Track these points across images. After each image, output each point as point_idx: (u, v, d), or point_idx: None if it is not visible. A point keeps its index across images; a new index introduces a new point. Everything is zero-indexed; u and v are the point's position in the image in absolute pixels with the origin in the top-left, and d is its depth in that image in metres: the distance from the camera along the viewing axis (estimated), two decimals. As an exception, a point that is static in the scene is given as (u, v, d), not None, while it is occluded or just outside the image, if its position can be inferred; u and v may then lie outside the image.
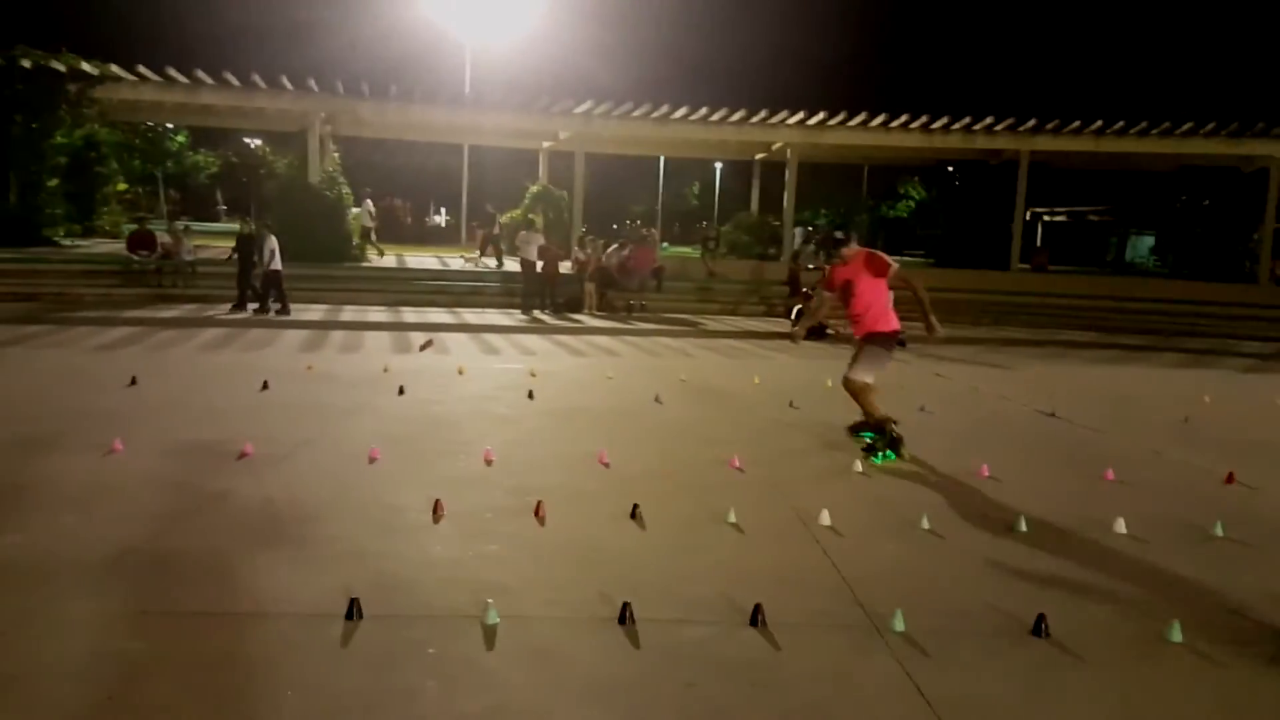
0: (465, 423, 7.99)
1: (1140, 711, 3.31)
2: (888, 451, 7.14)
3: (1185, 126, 23.84)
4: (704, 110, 24.72)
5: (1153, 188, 31.19)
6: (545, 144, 27.79)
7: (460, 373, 10.85)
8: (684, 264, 26.14)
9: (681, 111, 24.72)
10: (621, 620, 3.76)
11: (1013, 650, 3.73)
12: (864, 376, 7.32)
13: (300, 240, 20.87)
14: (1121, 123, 23.60)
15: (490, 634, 3.65)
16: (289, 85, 22.67)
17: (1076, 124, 23.77)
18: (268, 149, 27.55)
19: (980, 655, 3.67)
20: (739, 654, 3.58)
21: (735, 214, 35.78)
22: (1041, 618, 3.86)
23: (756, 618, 3.81)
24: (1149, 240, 39.05)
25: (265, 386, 9.23)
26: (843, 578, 4.46)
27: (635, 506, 5.33)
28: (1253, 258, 25.41)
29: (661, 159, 48.06)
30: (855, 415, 7.64)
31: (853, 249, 7.43)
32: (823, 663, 3.54)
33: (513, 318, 18.46)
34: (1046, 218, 43.23)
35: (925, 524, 5.33)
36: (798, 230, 28.91)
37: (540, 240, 20.40)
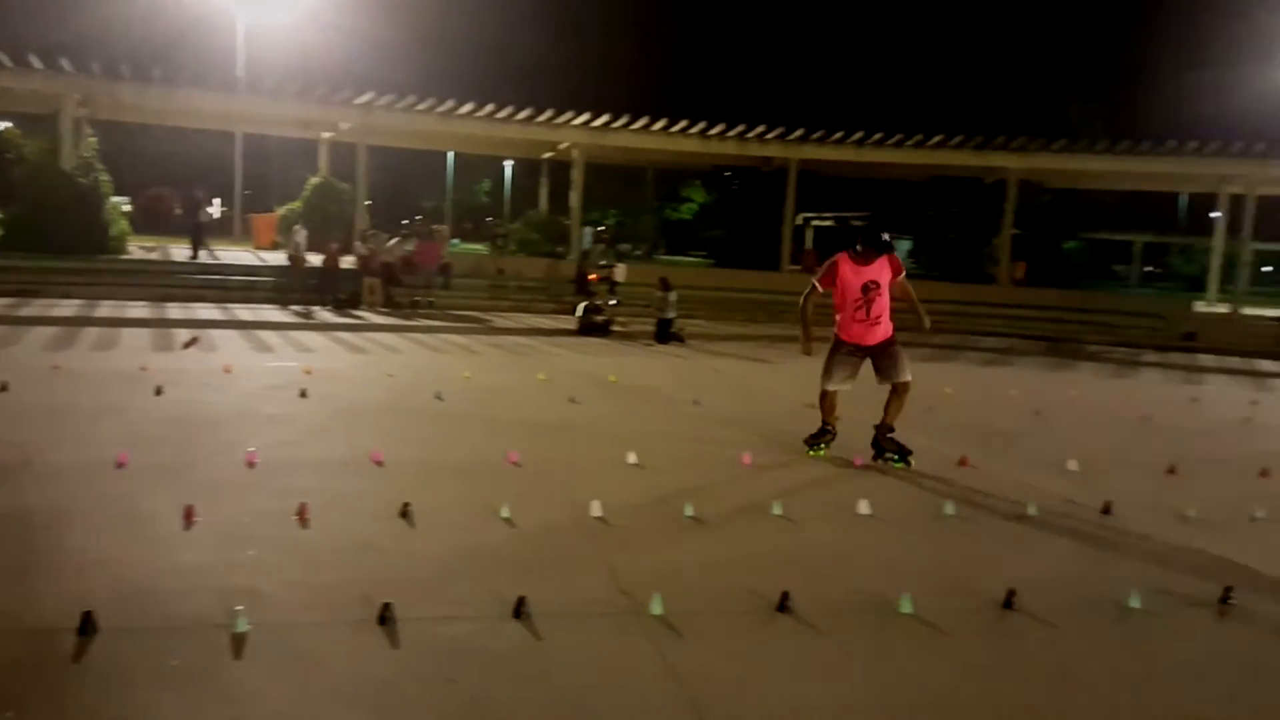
0: (229, 424, 7.60)
1: (872, 678, 3.60)
2: (821, 446, 7.38)
3: (935, 139, 25.95)
4: (490, 107, 24.57)
5: (909, 195, 33.67)
6: (325, 135, 26.75)
7: (227, 371, 10.30)
8: (474, 261, 25.88)
9: (467, 108, 24.46)
10: (382, 621, 3.72)
11: (760, 627, 3.97)
12: (908, 376, 7.20)
13: (49, 230, 19.12)
14: (880, 134, 25.41)
15: (239, 642, 3.51)
16: (38, 64, 20.73)
17: (840, 134, 25.39)
18: (18, 132, 25.03)
19: (730, 633, 3.89)
20: (501, 647, 3.63)
21: (525, 212, 35.79)
22: (785, 595, 4.13)
23: (520, 610, 3.86)
24: (906, 244, 42.11)
25: (4, 388, 8.42)
26: (609, 566, 4.59)
27: (406, 505, 5.26)
28: (993, 261, 27.97)
29: (450, 155, 47.21)
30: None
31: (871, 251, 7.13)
32: (583, 650, 3.64)
33: (289, 314, 17.68)
34: (816, 222, 45.76)
35: (690, 511, 5.56)
36: (587, 229, 29.25)
37: (305, 234, 19.79)
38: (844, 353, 7.36)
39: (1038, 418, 10.41)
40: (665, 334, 16.97)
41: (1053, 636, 4.08)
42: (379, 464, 6.38)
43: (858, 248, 7.26)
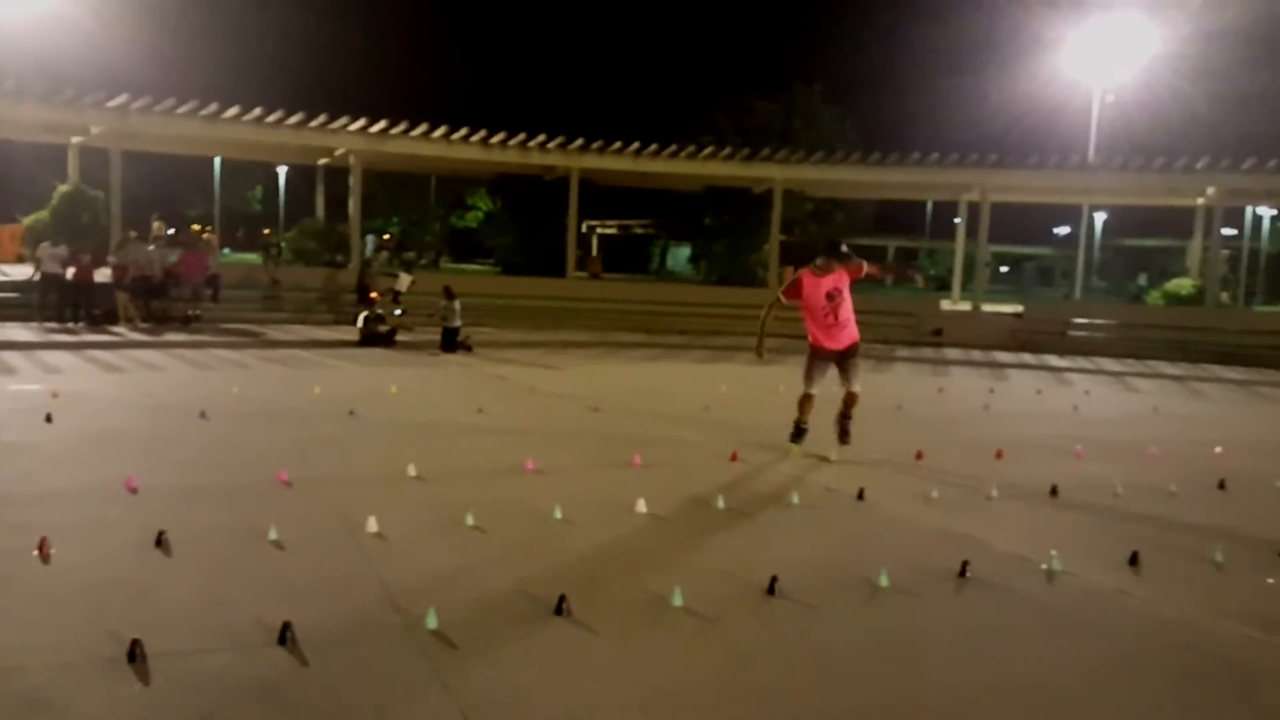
0: (-46, 457, 6.87)
1: (646, 672, 3.72)
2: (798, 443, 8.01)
3: (707, 151, 27.03)
4: (258, 111, 23.39)
5: (688, 204, 34.90)
6: (75, 139, 24.58)
7: (-47, 399, 9.30)
8: (247, 271, 24.55)
9: (233, 111, 23.18)
10: (131, 658, 3.48)
11: (537, 632, 4.01)
12: (858, 387, 8.01)
13: None
14: (655, 145, 26.19)
15: (-36, 695, 3.20)
16: None
17: (618, 145, 25.94)
18: None
19: (506, 641, 3.91)
20: (264, 675, 3.48)
21: (301, 220, 34.30)
22: (562, 598, 4.20)
23: (285, 636, 3.73)
24: (687, 250, 43.59)
25: None
26: (383, 583, 4.51)
27: (161, 533, 4.94)
28: (764, 267, 29.43)
29: (218, 160, 44.58)
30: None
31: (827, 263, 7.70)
32: (351, 672, 3.56)
33: (36, 332, 16.14)
34: (600, 229, 46.57)
35: (470, 521, 5.54)
36: (369, 238, 28.38)
37: (54, 248, 18.16)
38: (819, 359, 7.98)
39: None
40: (451, 343, 16.76)
41: (812, 618, 4.37)
42: (133, 491, 5.96)
43: (818, 262, 7.83)
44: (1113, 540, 5.68)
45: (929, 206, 53.43)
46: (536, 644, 3.90)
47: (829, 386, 8.30)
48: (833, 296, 7.78)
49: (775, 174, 26.49)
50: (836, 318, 7.79)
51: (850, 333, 7.92)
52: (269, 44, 52.72)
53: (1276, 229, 47.55)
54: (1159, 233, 50.11)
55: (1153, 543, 5.62)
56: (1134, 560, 5.30)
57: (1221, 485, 7.52)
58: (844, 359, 7.99)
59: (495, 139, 25.44)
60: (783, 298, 8.04)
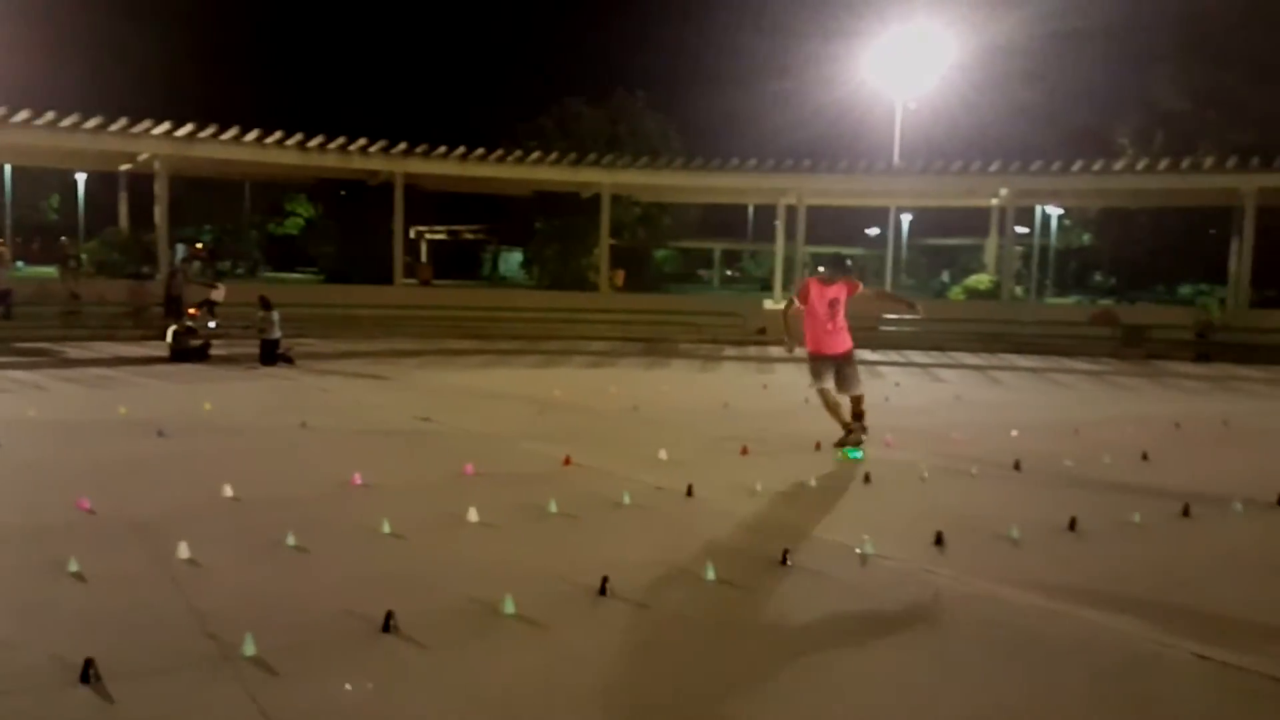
0: None
1: (478, 683, 3.69)
2: (856, 449, 8.42)
3: (534, 156, 27.01)
4: (51, 115, 21.74)
5: (518, 209, 34.77)
6: None
7: None
8: (39, 286, 22.77)
9: (22, 116, 21.47)
10: (-93, 711, 3.20)
11: (363, 651, 3.92)
12: (860, 389, 8.67)
13: None
14: (482, 149, 25.96)
15: None
16: None
17: (443, 149, 25.57)
18: None
19: (331, 663, 3.80)
20: (65, 716, 3.27)
21: (103, 230, 32.09)
22: (390, 614, 4.12)
23: (88, 673, 3.50)
24: (519, 256, 43.43)
25: None
26: (195, 612, 4.29)
27: (-58, 575, 4.54)
28: (595, 270, 29.69)
29: (8, 168, 41.15)
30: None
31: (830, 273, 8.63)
32: (161, 706, 3.38)
33: None
34: (429, 235, 45.74)
35: (291, 541, 5.35)
36: (179, 246, 26.80)
37: None
38: (818, 361, 8.62)
39: (634, 413, 11.22)
40: (271, 355, 16.06)
41: (642, 615, 4.46)
42: (-93, 530, 5.43)
43: (821, 270, 8.80)
44: (920, 522, 6.05)
45: (751, 210, 55.19)
46: (363, 663, 3.81)
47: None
48: (833, 305, 8.49)
49: (602, 179, 26.77)
50: (834, 323, 8.49)
51: (844, 339, 8.59)
52: (66, 45, 49.04)
53: (1063, 226, 51.71)
54: (960, 232, 53.68)
55: (956, 522, 6.02)
56: (939, 540, 5.68)
57: (1017, 466, 8.13)
58: (843, 364, 8.62)
59: (314, 142, 24.59)
60: (798, 302, 8.78)
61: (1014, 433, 10.08)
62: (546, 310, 25.16)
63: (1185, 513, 6.50)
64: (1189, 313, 25.04)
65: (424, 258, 45.41)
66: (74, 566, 4.77)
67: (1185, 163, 24.84)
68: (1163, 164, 25.29)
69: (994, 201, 29.50)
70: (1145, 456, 8.74)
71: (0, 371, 14.07)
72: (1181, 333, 23.04)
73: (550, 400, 12.01)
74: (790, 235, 29.86)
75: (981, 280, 30.82)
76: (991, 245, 32.60)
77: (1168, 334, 23.26)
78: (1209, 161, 24.62)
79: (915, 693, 3.69)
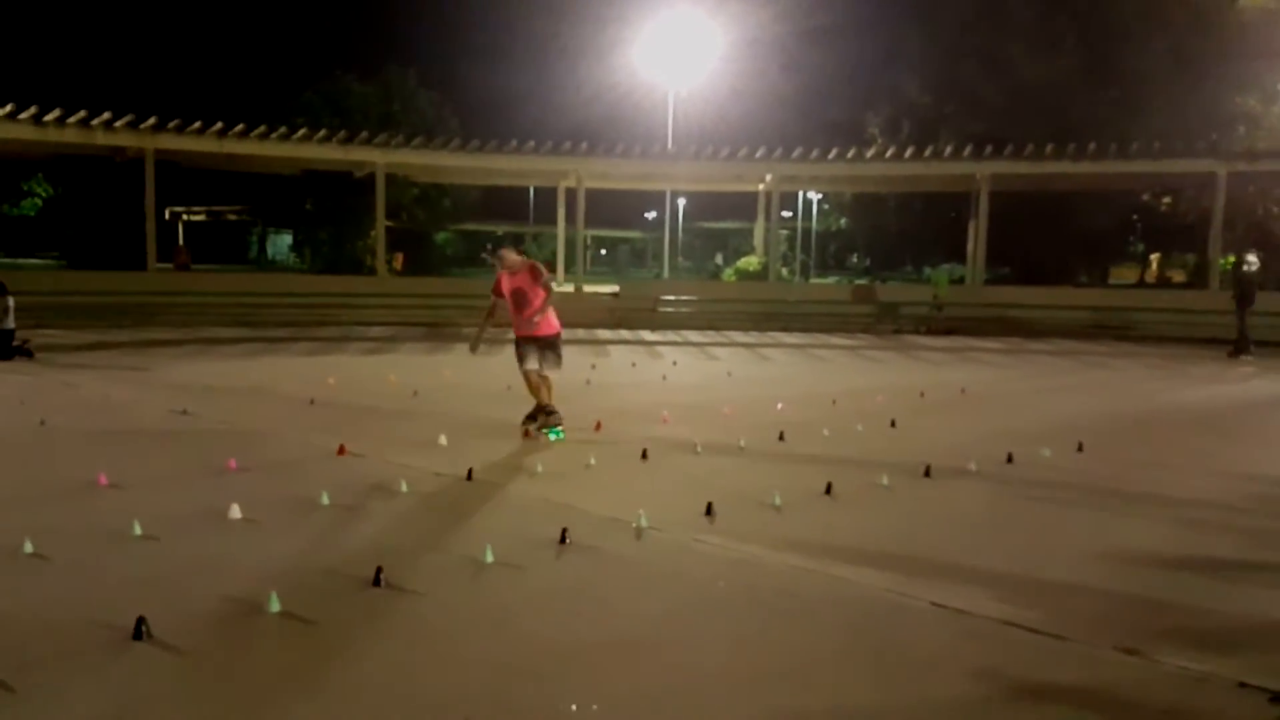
0: None
1: (235, 687, 3.53)
2: (558, 429, 8.43)
3: (301, 133, 25.71)
4: None
5: (287, 189, 33.03)
6: None
7: None
8: None
9: None
10: None
11: (111, 663, 3.65)
12: (556, 371, 8.64)
13: None
14: (242, 125, 24.43)
15: None
16: None
17: (199, 124, 23.88)
18: None
19: (72, 677, 3.53)
20: None
21: None
22: (141, 620, 3.86)
23: None
24: (288, 238, 41.36)
25: None
26: (-90, 635, 3.86)
27: None
28: (371, 253, 28.73)
29: None
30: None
31: (514, 259, 8.73)
32: None
33: None
34: (186, 216, 42.70)
35: (29, 548, 4.90)
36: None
37: None
38: (520, 345, 8.66)
39: (415, 399, 10.99)
40: (6, 348, 14.50)
41: (417, 603, 4.40)
42: None
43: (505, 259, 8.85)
44: (693, 495, 6.30)
45: (532, 192, 55.12)
46: (110, 676, 3.56)
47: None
48: (517, 294, 8.58)
49: (376, 158, 25.86)
50: (526, 312, 8.50)
51: (543, 324, 8.55)
52: None
53: (822, 211, 54.98)
54: (731, 216, 55.99)
55: (726, 493, 6.32)
56: (709, 511, 5.94)
57: (781, 436, 8.62)
58: (543, 349, 8.61)
59: (50, 117, 22.29)
60: (493, 295, 8.83)
61: (779, 405, 10.65)
62: (320, 295, 24.11)
63: (926, 474, 7.12)
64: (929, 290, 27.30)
65: (181, 240, 42.29)
66: None
67: (928, 151, 26.93)
68: (908, 152, 27.29)
69: (761, 187, 30.90)
70: (893, 424, 9.49)
71: None
72: (926, 309, 25.09)
73: (324, 389, 11.55)
74: (570, 218, 30.08)
75: (751, 262, 32.24)
76: (760, 228, 34.12)
77: (915, 310, 25.27)
78: (949, 150, 26.84)
79: (687, 651, 3.86)
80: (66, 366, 13.83)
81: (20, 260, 40.50)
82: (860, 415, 10.00)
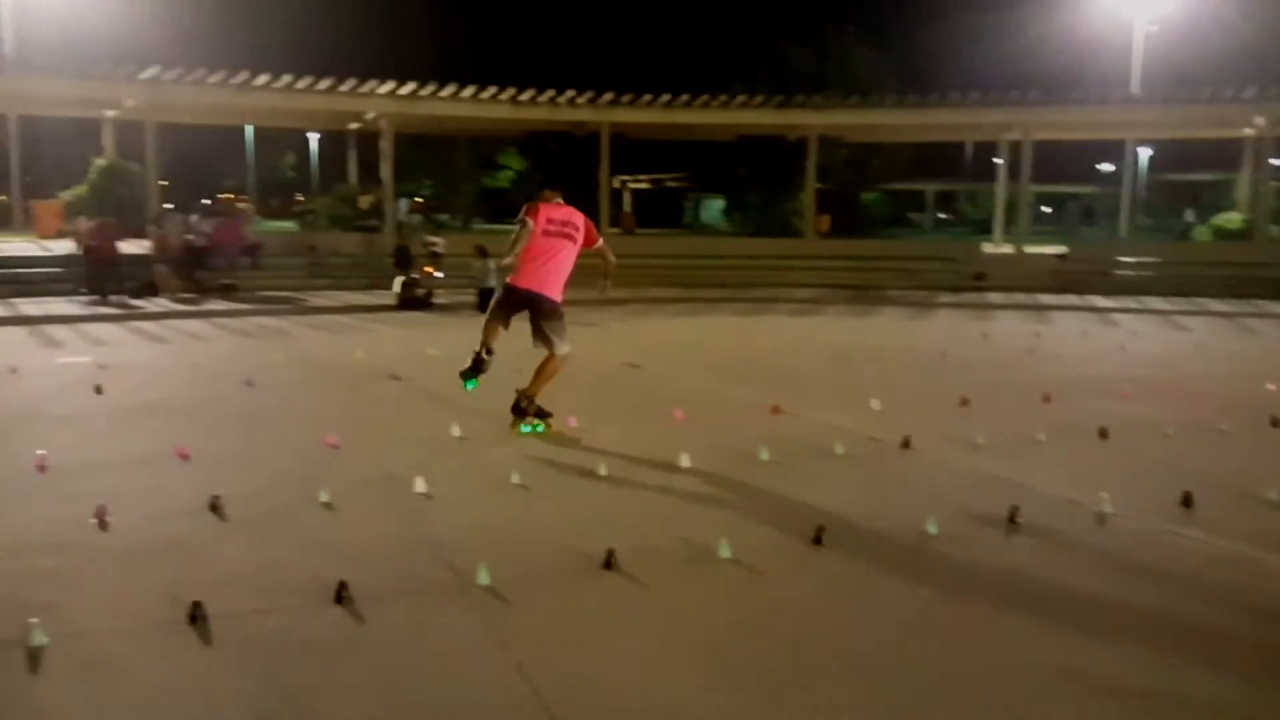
0: (15, 428, 7.04)
1: (694, 622, 3.74)
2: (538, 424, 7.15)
3: (739, 99, 26.57)
4: (287, 78, 23.38)
5: (720, 155, 34.44)
6: (110, 113, 24.79)
7: (13, 371, 9.49)
8: (285, 239, 24.77)
9: (263, 79, 23.19)
10: (192, 620, 3.56)
11: (585, 586, 4.05)
12: (563, 346, 7.41)
13: None
14: (686, 95, 25.81)
15: (35, 656, 3.30)
16: None
17: (648, 97, 25.61)
18: None
19: (557, 595, 3.96)
20: (321, 633, 3.55)
21: (335, 185, 34.45)
22: (610, 553, 4.23)
23: (341, 595, 3.79)
24: (720, 203, 43.17)
25: None
26: (433, 541, 4.56)
27: (216, 498, 5.03)
28: (799, 216, 29.06)
29: (249, 129, 44.73)
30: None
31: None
32: (406, 629, 3.62)
33: (80, 305, 16.43)
34: (632, 185, 46.22)
35: (516, 479, 5.58)
36: (402, 201, 28.38)
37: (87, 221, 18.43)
38: (511, 299, 7.60)
39: (844, 362, 10.96)
40: (488, 303, 16.77)
41: (855, 566, 4.36)
42: (185, 458, 6.06)
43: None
44: (1164, 481, 5.59)
45: (968, 148, 52.31)
46: (587, 597, 3.94)
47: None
48: (563, 227, 7.43)
49: (810, 120, 26.01)
50: (546, 258, 7.32)
51: (557, 285, 7.50)
52: (294, 11, 52.53)
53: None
54: (1206, 166, 48.71)
55: (1205, 481, 5.52)
56: (1187, 501, 5.22)
57: (1275, 422, 7.37)
58: (537, 311, 7.49)
59: (524, 96, 25.23)
60: (529, 219, 7.26)
61: (1270, 385, 9.12)
62: (750, 258, 24.91)
63: None
64: None
65: (627, 207, 45.99)
66: (324, 496, 5.17)
67: None
68: None
69: (1247, 132, 26.56)
70: None
71: (250, 319, 15.44)
72: None
73: (756, 349, 11.92)
74: (1013, 174, 28.12)
75: (1231, 219, 27.93)
76: (1243, 181, 29.46)
77: None
78: None
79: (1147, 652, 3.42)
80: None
81: (495, 226, 46.60)
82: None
